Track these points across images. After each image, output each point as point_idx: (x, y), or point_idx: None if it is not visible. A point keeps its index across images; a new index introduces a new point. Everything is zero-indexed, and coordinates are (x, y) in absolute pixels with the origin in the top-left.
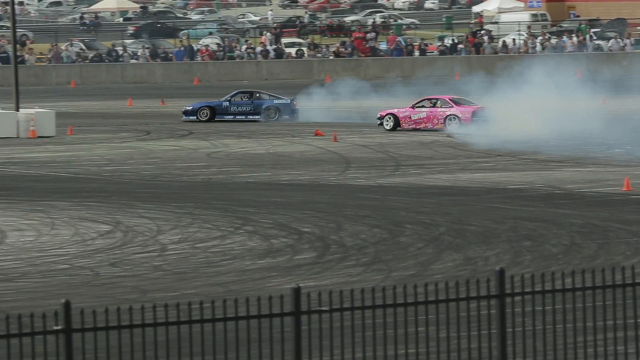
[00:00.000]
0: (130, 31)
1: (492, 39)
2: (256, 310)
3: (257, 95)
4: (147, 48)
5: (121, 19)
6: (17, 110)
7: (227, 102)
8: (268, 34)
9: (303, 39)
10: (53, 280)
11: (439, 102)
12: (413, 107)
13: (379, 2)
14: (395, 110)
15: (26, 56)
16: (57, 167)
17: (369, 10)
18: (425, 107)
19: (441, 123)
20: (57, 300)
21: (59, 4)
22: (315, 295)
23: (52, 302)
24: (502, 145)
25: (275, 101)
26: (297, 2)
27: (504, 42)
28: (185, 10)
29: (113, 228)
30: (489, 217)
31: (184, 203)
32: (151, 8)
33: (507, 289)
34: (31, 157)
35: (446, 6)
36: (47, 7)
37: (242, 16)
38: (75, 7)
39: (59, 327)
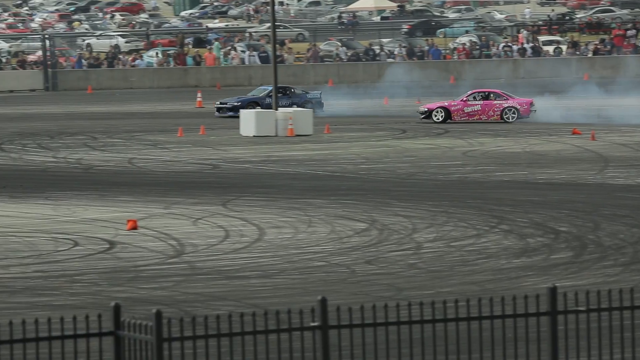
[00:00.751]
0: (405, 29)
1: None
2: (511, 309)
3: (292, 90)
4: (404, 47)
5: (379, 18)
6: (276, 109)
7: (269, 98)
8: (525, 31)
9: (562, 36)
10: (310, 277)
11: (491, 95)
12: (464, 100)
13: None
14: (446, 103)
15: (285, 56)
16: (314, 165)
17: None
18: (476, 100)
19: (497, 115)
20: (313, 297)
21: (317, 3)
22: (572, 295)
23: (308, 298)
24: None
25: (309, 95)
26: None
27: None
28: (442, 9)
29: (369, 226)
30: None
31: (440, 201)
32: (408, 7)
33: None
34: (289, 155)
35: None
36: (306, 6)
37: (497, 13)
38: (333, 7)
39: (316, 324)
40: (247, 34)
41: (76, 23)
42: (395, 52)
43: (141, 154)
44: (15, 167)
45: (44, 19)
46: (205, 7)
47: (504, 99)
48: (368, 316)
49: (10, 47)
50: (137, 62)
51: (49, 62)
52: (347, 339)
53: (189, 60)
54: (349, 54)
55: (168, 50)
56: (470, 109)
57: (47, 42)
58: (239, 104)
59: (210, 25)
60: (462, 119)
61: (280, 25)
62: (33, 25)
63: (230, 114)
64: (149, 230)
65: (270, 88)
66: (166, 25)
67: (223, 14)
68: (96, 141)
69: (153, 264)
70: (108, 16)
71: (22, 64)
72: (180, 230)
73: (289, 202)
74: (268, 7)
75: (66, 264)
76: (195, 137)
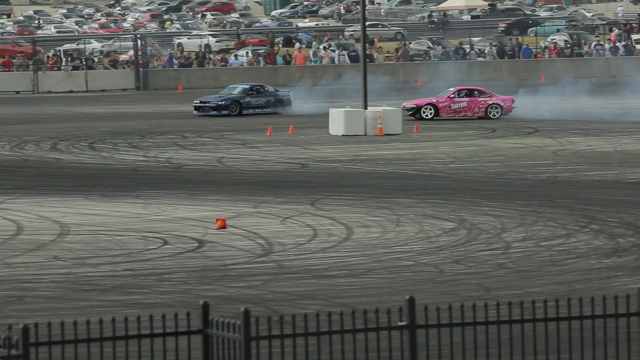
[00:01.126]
0: (501, 28)
1: None
2: (601, 309)
3: (266, 89)
4: (495, 45)
5: (469, 17)
6: (365, 109)
7: (248, 96)
8: (617, 30)
9: None
10: (398, 276)
11: (476, 92)
12: (451, 97)
13: None
14: (434, 100)
15: (375, 55)
16: (403, 165)
17: None
18: (461, 97)
19: (482, 112)
20: (401, 296)
21: (408, 2)
22: None
23: (396, 298)
24: None
25: (280, 94)
26: None
27: None
28: (533, 7)
29: (457, 225)
30: None
31: (529, 201)
32: (499, 5)
33: None
34: (378, 154)
35: None
36: (396, 5)
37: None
38: (424, 6)
39: (404, 323)
40: (337, 33)
41: (167, 23)
42: (486, 51)
43: (231, 153)
44: (106, 166)
45: (136, 18)
46: (295, 6)
47: (488, 96)
48: (456, 316)
49: (102, 46)
50: (230, 61)
51: (140, 62)
52: (435, 338)
53: (279, 59)
54: (439, 53)
55: (258, 49)
56: (457, 106)
57: (139, 41)
58: (223, 102)
59: (300, 24)
60: (449, 115)
61: (378, 24)
62: (125, 25)
63: (215, 112)
64: (237, 229)
65: (242, 86)
66: (256, 24)
67: (313, 13)
68: (186, 140)
69: (241, 262)
70: (199, 16)
71: (114, 64)
72: (268, 229)
73: (377, 202)
74: (358, 7)
75: (156, 263)
76: (284, 136)
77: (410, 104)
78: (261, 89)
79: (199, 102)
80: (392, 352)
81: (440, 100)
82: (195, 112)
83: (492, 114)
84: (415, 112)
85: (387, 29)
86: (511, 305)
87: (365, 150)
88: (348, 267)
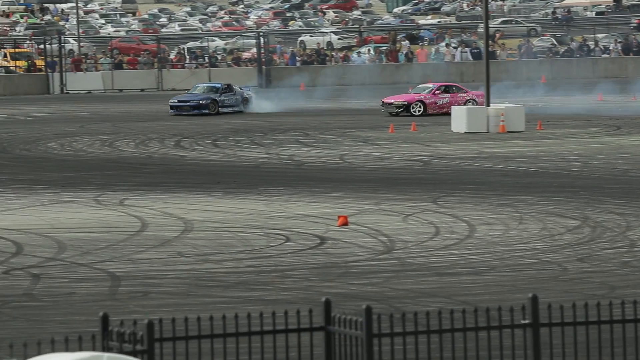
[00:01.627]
0: (634, 24)
1: None
2: None
3: (234, 88)
4: (620, 42)
5: (593, 13)
6: (488, 106)
7: (222, 95)
8: None
9: None
10: (520, 274)
11: (454, 87)
12: (435, 93)
13: None
14: (422, 96)
15: (498, 52)
16: (525, 162)
17: None
18: (442, 93)
19: None
20: (524, 294)
21: None
22: None
23: (519, 296)
24: None
25: (244, 93)
26: None
27: None
28: None
29: (581, 223)
30: None
31: None
32: (625, 2)
33: None
34: (500, 151)
35: None
36: (519, 2)
37: None
38: (547, 2)
39: (527, 321)
40: (458, 30)
41: (291, 22)
42: (610, 48)
43: (352, 150)
44: (229, 163)
45: (259, 16)
46: (417, 3)
47: (464, 92)
48: (580, 314)
49: (225, 44)
50: (353, 58)
51: (263, 59)
52: (558, 337)
53: (401, 56)
54: (561, 49)
55: (380, 46)
56: (441, 102)
57: (262, 39)
58: (204, 101)
59: (422, 21)
60: (435, 111)
61: (512, 21)
62: (248, 23)
63: (196, 111)
64: (359, 227)
65: (212, 85)
66: (379, 22)
67: (436, 10)
68: (308, 137)
69: (363, 259)
70: (322, 14)
71: (237, 61)
72: (390, 227)
73: (500, 199)
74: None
75: (278, 259)
76: (406, 133)
77: (395, 100)
78: (231, 88)
79: (176, 101)
80: (514, 351)
81: (427, 96)
82: (171, 111)
83: None
84: (405, 109)
85: (520, 25)
86: (636, 304)
87: (488, 147)
88: (470, 264)
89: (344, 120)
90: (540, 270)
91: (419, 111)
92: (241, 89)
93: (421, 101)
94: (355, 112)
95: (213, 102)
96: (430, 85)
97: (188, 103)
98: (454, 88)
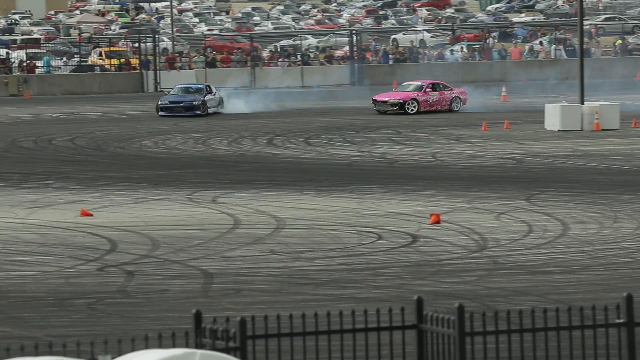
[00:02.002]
0: None
1: None
2: None
3: (214, 88)
4: None
5: None
6: (582, 104)
7: (207, 97)
8: None
9: None
10: (615, 273)
11: (440, 85)
12: (426, 91)
13: None
14: (415, 94)
15: (592, 49)
16: (620, 160)
17: None
18: (430, 90)
19: (447, 105)
20: (618, 293)
21: None
22: None
23: (613, 295)
24: None
25: (220, 93)
26: None
27: None
28: None
29: None
30: None
31: None
32: None
33: None
34: (594, 149)
35: None
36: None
37: None
38: None
39: (621, 321)
40: (552, 28)
41: (384, 20)
42: None
43: (445, 148)
44: (322, 161)
45: (352, 14)
46: (510, 1)
47: (450, 90)
48: None
49: (318, 42)
50: (446, 56)
51: (355, 57)
52: None
53: (494, 54)
54: None
55: (473, 44)
56: (432, 100)
57: (354, 37)
58: (196, 102)
59: (516, 19)
60: (426, 109)
61: (615, 18)
62: (341, 21)
63: (189, 113)
64: (451, 225)
65: (195, 86)
66: (472, 19)
67: (529, 8)
68: (400, 135)
69: (455, 258)
70: (416, 12)
71: (330, 59)
72: (482, 225)
73: (594, 198)
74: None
75: (370, 257)
76: (499, 131)
77: (389, 97)
78: (211, 89)
79: (167, 102)
80: (609, 350)
81: (419, 94)
82: (160, 112)
83: (455, 106)
84: (400, 107)
85: (623, 22)
86: None
87: (582, 145)
88: (564, 263)
89: (437, 118)
90: (635, 270)
91: (414, 109)
92: (218, 90)
93: (415, 99)
94: (446, 111)
95: (203, 103)
96: (417, 83)
97: (181, 104)
98: (440, 86)
